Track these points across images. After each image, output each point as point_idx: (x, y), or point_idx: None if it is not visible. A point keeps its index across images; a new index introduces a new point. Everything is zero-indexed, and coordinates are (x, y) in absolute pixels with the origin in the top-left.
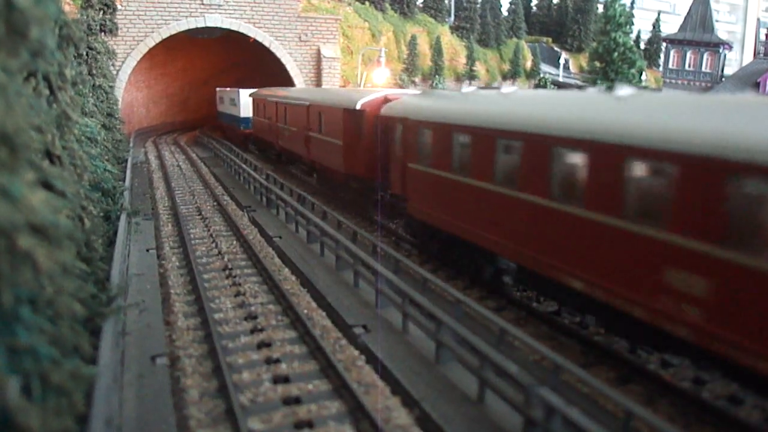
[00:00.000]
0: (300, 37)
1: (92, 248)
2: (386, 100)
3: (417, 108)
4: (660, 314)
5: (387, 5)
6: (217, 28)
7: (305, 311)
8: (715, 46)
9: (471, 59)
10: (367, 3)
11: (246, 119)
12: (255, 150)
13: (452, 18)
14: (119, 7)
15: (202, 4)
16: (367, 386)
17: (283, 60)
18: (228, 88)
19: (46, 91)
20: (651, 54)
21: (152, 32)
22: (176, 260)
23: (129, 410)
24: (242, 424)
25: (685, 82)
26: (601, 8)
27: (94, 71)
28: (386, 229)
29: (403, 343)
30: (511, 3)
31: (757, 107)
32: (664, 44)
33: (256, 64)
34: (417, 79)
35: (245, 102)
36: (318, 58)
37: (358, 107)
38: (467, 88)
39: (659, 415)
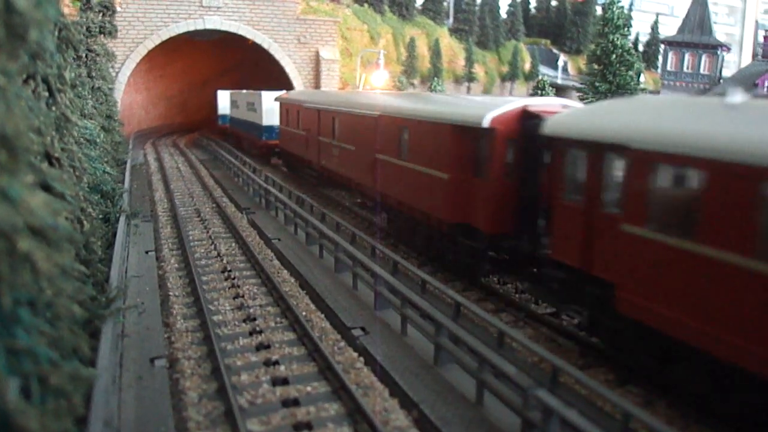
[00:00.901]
0: (299, 40)
1: (91, 250)
2: (526, 113)
3: (649, 129)
4: None
5: (386, 7)
6: (216, 30)
7: (304, 313)
8: (713, 48)
9: (470, 61)
10: (365, 5)
11: (270, 128)
12: (283, 167)
13: (451, 20)
14: (118, 9)
15: (201, 6)
16: (365, 388)
17: (282, 62)
18: (244, 90)
19: (46, 94)
20: (649, 56)
21: (151, 34)
22: (175, 262)
23: (128, 412)
24: (241, 426)
25: (683, 84)
26: (599, 10)
27: (94, 73)
28: (543, 323)
29: (401, 345)
30: (509, 5)
31: None
32: (663, 46)
33: (254, 66)
34: (416, 81)
35: (269, 107)
36: (317, 60)
37: (485, 124)
38: (737, 95)
39: (657, 417)
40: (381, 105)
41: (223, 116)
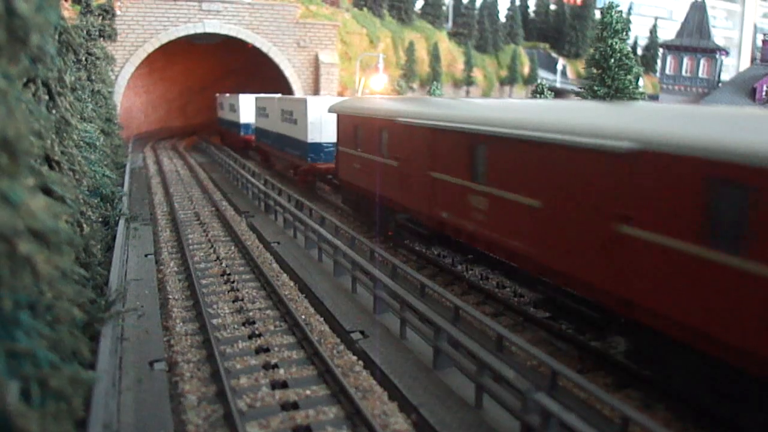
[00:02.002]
0: (298, 43)
1: (91, 253)
2: None
3: None
4: None
5: (385, 11)
6: (215, 33)
7: (303, 317)
8: (712, 52)
9: (469, 65)
10: (365, 9)
11: (317, 147)
12: (342, 203)
13: (450, 24)
14: (118, 12)
15: (201, 9)
16: (364, 391)
17: (282, 66)
18: (277, 95)
19: (46, 97)
20: (648, 60)
21: (151, 38)
22: (174, 265)
23: (127, 415)
24: (240, 429)
25: (682, 88)
26: (598, 14)
27: (93, 77)
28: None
29: (400, 348)
30: (508, 9)
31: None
32: (661, 50)
33: (254, 69)
34: (415, 85)
35: (317, 119)
36: (316, 64)
37: None
38: None
39: (656, 420)
40: (642, 131)
41: (246, 125)
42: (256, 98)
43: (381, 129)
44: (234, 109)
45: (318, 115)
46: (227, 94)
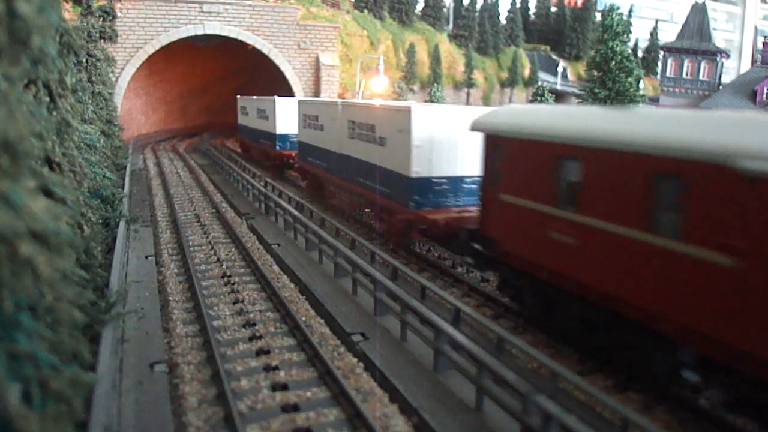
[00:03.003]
0: (299, 45)
1: (91, 255)
2: None
3: None
4: None
5: (386, 13)
6: (216, 35)
7: (303, 318)
8: (713, 54)
9: (469, 67)
10: (365, 11)
11: (425, 185)
12: (506, 296)
13: (450, 26)
14: (119, 14)
15: (202, 11)
16: (365, 394)
17: (282, 67)
18: (341, 101)
19: (47, 99)
20: (649, 62)
21: (151, 39)
22: (175, 267)
23: (128, 417)
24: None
25: (683, 90)
26: (598, 17)
27: (94, 78)
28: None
29: (401, 351)
30: (509, 11)
31: None
32: (662, 53)
33: (254, 71)
34: (415, 87)
35: (425, 139)
36: (316, 65)
37: None
38: None
39: (656, 422)
40: None
41: (283, 137)
42: (301, 102)
43: (655, 178)
44: (265, 115)
45: (426, 133)
46: (254, 97)
